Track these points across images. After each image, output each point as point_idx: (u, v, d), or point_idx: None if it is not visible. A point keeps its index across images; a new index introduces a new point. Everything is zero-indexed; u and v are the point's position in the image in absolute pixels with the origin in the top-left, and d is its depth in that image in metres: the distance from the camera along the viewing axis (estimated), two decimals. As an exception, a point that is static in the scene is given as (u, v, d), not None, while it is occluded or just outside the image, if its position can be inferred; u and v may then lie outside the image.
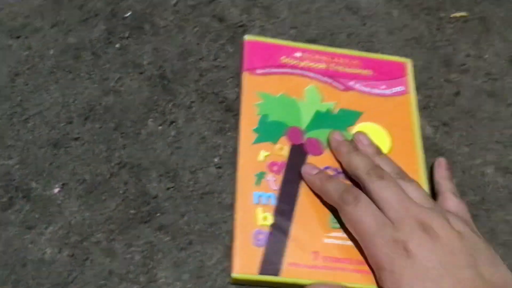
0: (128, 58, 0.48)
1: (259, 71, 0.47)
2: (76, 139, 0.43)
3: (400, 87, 0.49)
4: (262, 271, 0.38)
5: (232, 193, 0.43)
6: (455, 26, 0.57)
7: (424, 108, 0.51)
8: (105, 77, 0.47)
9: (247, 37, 0.49)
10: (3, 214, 0.39)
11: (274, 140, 0.44)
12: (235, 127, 0.45)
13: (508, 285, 0.36)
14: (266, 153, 0.43)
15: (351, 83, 0.48)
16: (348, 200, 0.38)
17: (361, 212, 0.37)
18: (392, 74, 0.50)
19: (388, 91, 0.48)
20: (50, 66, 0.46)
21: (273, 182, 0.42)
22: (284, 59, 0.48)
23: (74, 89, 0.46)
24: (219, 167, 0.44)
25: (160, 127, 0.45)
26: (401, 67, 0.51)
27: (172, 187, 0.43)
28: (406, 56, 0.52)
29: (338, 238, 0.40)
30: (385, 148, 0.45)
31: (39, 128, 0.43)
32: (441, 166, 0.45)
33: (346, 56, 0.50)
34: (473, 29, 0.57)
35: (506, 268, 0.37)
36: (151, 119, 0.45)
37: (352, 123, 0.46)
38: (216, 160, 0.45)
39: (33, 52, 0.47)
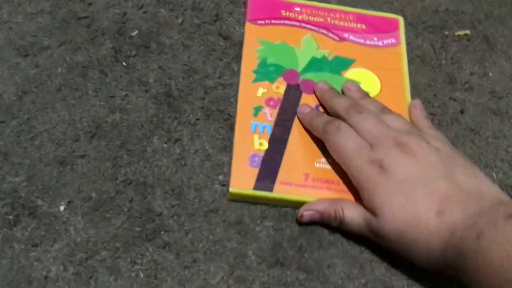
0: (134, 76, 0.49)
1: (260, 21, 0.52)
2: (82, 156, 0.44)
3: (392, 39, 0.53)
4: (257, 187, 0.43)
5: (237, 209, 0.43)
6: (459, 44, 0.57)
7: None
8: (111, 94, 0.47)
9: None
10: (9, 232, 0.40)
11: (272, 80, 0.49)
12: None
13: (483, 192, 0.37)
14: (264, 90, 0.48)
15: (346, 35, 0.53)
16: (330, 129, 0.42)
17: (341, 138, 0.41)
18: (384, 28, 0.54)
19: (380, 43, 0.53)
20: (58, 84, 0.47)
21: (270, 114, 0.47)
22: (284, 13, 0.53)
23: (81, 106, 0.46)
24: (224, 185, 0.44)
25: (165, 145, 0.45)
26: (393, 22, 0.55)
27: (177, 205, 0.43)
28: (410, 75, 0.53)
29: (327, 164, 0.45)
30: (374, 91, 0.50)
31: (46, 146, 0.44)
32: (416, 107, 0.48)
33: (342, 12, 0.55)
34: (477, 47, 0.57)
35: (484, 178, 0.39)
36: (156, 137, 0.46)
37: (345, 68, 0.51)
38: (221, 177, 0.45)
39: (41, 70, 0.47)
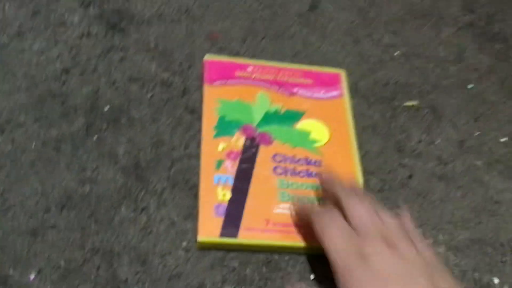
0: (105, 149, 0.52)
1: (217, 83, 0.57)
2: (52, 227, 0.47)
3: (336, 92, 0.59)
4: (222, 234, 0.47)
5: (199, 274, 0.46)
6: (407, 114, 0.62)
7: (379, 191, 0.55)
8: (82, 167, 0.50)
9: (207, 57, 0.60)
10: (-20, 301, 0.42)
11: (231, 134, 0.54)
12: (202, 213, 0.49)
13: None
14: (224, 145, 0.53)
15: (295, 89, 0.59)
16: (320, 212, 0.43)
17: (329, 222, 0.42)
18: (328, 82, 0.60)
19: (326, 95, 0.59)
20: (32, 159, 0.50)
21: (231, 167, 0.51)
22: (238, 73, 0.59)
23: (53, 179, 0.49)
24: (188, 250, 0.47)
25: (132, 214, 0.49)
26: (336, 77, 0.61)
27: (142, 271, 0.45)
28: (362, 143, 0.57)
29: (285, 208, 0.50)
30: (324, 139, 0.55)
31: (19, 217, 0.47)
32: (406, 217, 0.47)
33: (290, 69, 0.61)
34: (425, 117, 0.62)
35: (457, 282, 0.40)
36: (124, 206, 0.49)
37: (296, 120, 0.56)
38: (184, 244, 0.48)
39: (16, 145, 0.51)
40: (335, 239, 0.40)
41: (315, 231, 0.43)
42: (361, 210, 0.42)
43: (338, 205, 0.44)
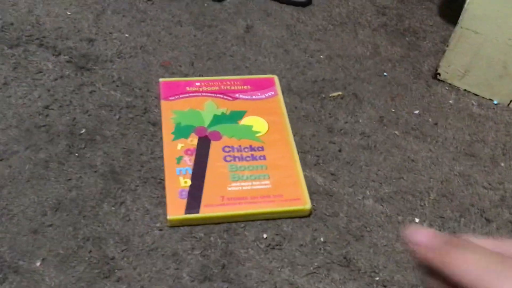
0: (85, 162, 0.64)
1: (171, 98, 0.70)
2: (50, 225, 0.58)
3: (271, 92, 0.73)
4: (187, 212, 0.59)
5: (173, 245, 0.57)
6: (334, 103, 0.75)
7: (315, 164, 0.67)
8: (68, 178, 0.62)
9: (162, 79, 0.73)
10: (-2, 287, 0.53)
11: (187, 136, 0.66)
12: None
13: None
14: (182, 145, 0.65)
15: (237, 95, 0.72)
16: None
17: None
18: (264, 86, 0.74)
19: (263, 96, 0.72)
20: (27, 177, 0.62)
21: (189, 160, 0.63)
22: (188, 88, 0.72)
23: (46, 190, 0.61)
24: (161, 229, 0.59)
25: (113, 208, 0.60)
26: (270, 80, 0.75)
27: (126, 249, 0.57)
28: (297, 130, 0.69)
29: (237, 186, 0.61)
30: (263, 130, 0.68)
31: (22, 222, 0.58)
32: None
33: (232, 80, 0.74)
34: (349, 103, 0.75)
35: None
36: (105, 203, 0.60)
37: (240, 118, 0.69)
38: (158, 225, 0.59)
39: (13, 169, 0.62)
40: None
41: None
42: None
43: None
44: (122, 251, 0.56)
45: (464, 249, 0.23)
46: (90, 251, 0.56)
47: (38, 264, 0.55)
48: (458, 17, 0.74)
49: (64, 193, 0.61)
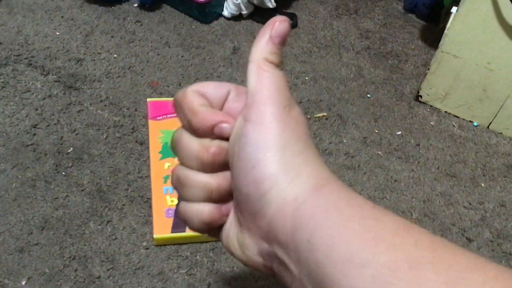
0: (72, 181, 0.64)
1: (159, 118, 0.71)
2: (36, 244, 0.58)
3: None
4: (173, 231, 0.59)
5: (159, 264, 0.57)
6: (319, 123, 0.76)
7: (299, 184, 0.68)
8: (55, 197, 0.62)
9: (149, 99, 0.73)
10: (-17, 306, 0.52)
11: (173, 156, 0.66)
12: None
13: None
14: (169, 164, 0.66)
15: None
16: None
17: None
18: None
19: None
20: (13, 196, 0.62)
21: None
22: None
23: (32, 209, 0.61)
24: (147, 248, 0.59)
25: (99, 226, 0.60)
26: None
27: (112, 268, 0.57)
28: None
29: None
30: None
31: (8, 241, 0.58)
32: None
33: None
34: (333, 124, 0.77)
35: None
36: (92, 222, 0.60)
37: None
38: (144, 243, 0.59)
39: (0, 187, 0.62)
40: None
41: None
42: None
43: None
44: (108, 270, 0.57)
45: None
46: (76, 270, 0.56)
47: (23, 283, 0.55)
48: (439, 41, 0.76)
49: (50, 211, 0.61)
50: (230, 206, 0.33)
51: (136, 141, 0.70)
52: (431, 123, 0.80)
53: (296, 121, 0.29)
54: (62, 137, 0.69)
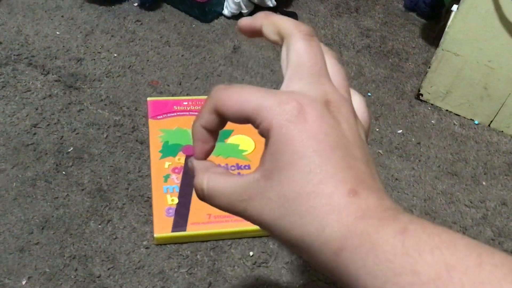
0: (72, 180, 0.64)
1: (159, 117, 0.71)
2: (36, 244, 0.58)
3: None
4: (174, 230, 0.59)
5: (159, 263, 0.57)
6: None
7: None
8: (55, 196, 0.62)
9: (149, 98, 0.73)
10: (-17, 305, 0.52)
11: (174, 155, 0.66)
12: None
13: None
14: (170, 163, 0.65)
15: None
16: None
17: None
18: None
19: None
20: (14, 195, 0.62)
21: (176, 179, 0.64)
22: (176, 107, 0.72)
23: (33, 208, 0.61)
24: (148, 248, 0.59)
25: (99, 226, 0.60)
26: None
27: (112, 267, 0.57)
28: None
29: None
30: (250, 148, 0.68)
31: (8, 240, 0.58)
32: None
33: None
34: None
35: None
36: (92, 221, 0.60)
37: (227, 137, 0.70)
38: (144, 243, 0.59)
39: (0, 187, 0.62)
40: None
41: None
42: (313, 56, 0.29)
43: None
44: (109, 269, 0.57)
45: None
46: (76, 270, 0.56)
47: (24, 282, 0.54)
48: (440, 39, 0.76)
49: (51, 211, 0.61)
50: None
51: (137, 140, 0.70)
52: (432, 121, 0.79)
53: None
54: (62, 136, 0.69)
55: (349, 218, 0.24)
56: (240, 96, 0.28)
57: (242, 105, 0.28)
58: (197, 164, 0.31)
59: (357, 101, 0.33)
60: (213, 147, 0.32)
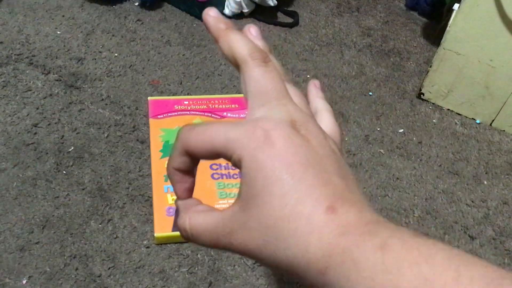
0: (73, 180, 0.64)
1: (160, 116, 0.71)
2: (36, 243, 0.58)
3: None
4: (174, 229, 0.58)
5: (160, 262, 0.57)
6: (320, 121, 0.76)
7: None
8: (56, 196, 0.62)
9: (150, 98, 0.73)
10: (-17, 305, 0.52)
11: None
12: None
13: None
14: None
15: (225, 113, 0.73)
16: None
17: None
18: None
19: None
20: (14, 195, 0.62)
21: None
22: (177, 107, 0.72)
23: (33, 208, 0.61)
24: (148, 247, 0.59)
25: (100, 225, 0.60)
26: None
27: (112, 267, 0.57)
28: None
29: (224, 204, 0.62)
30: None
31: (8, 239, 0.58)
32: (316, 87, 0.37)
33: (220, 99, 0.75)
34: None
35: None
36: (93, 221, 0.60)
37: None
38: (145, 242, 0.59)
39: (1, 186, 0.62)
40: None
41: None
42: (270, 82, 0.29)
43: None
44: (109, 268, 0.57)
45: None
46: (76, 269, 0.56)
47: (24, 281, 0.54)
48: (441, 39, 0.76)
49: (51, 210, 0.61)
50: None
51: (137, 140, 0.70)
52: (434, 120, 0.79)
53: None
54: (63, 136, 0.69)
55: (330, 236, 0.24)
56: (207, 134, 0.28)
57: (210, 142, 0.28)
58: (179, 204, 0.31)
59: (325, 115, 0.35)
60: (193, 183, 0.32)
